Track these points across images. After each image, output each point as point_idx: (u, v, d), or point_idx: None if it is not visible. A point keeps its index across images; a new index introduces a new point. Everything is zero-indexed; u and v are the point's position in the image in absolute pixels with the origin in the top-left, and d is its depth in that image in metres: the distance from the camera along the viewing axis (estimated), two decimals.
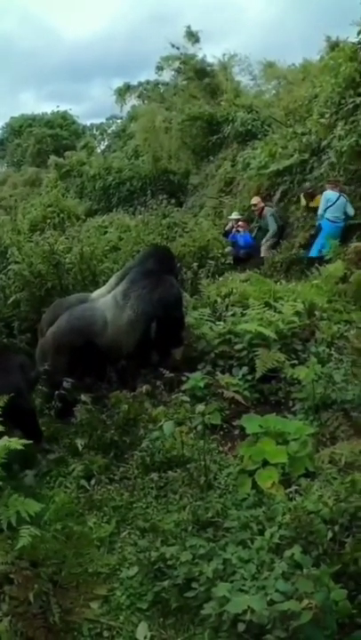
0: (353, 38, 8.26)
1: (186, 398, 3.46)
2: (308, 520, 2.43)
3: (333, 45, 13.04)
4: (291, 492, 2.88)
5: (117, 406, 3.59)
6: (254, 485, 3.02)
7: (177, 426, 3.23)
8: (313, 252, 7.30)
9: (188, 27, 16.32)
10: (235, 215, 9.53)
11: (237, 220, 9.30)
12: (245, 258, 8.84)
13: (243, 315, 4.59)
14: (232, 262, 8.00)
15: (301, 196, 8.37)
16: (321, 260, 6.67)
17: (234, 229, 9.20)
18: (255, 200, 9.06)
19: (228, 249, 8.49)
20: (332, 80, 8.49)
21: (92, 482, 3.24)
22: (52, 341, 4.04)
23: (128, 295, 4.10)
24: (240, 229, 9.09)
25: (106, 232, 9.27)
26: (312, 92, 10.60)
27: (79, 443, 3.44)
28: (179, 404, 3.60)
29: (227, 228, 9.38)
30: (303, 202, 8.27)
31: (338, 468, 2.93)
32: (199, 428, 3.19)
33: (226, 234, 9.16)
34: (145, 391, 3.70)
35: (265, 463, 3.10)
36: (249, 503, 2.91)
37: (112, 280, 4.54)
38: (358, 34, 7.93)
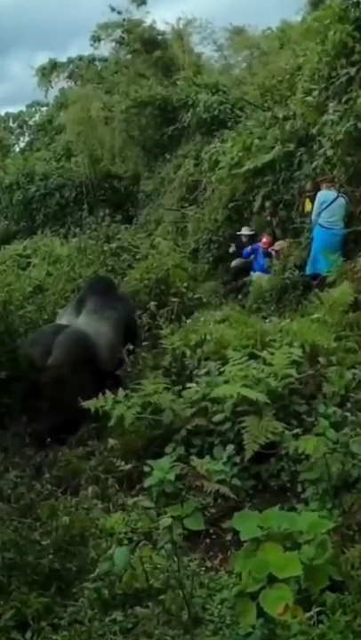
0: None
1: (148, 504, 3.42)
2: None
3: (317, 2, 14.00)
4: (313, 615, 2.87)
5: (53, 519, 3.53)
6: (261, 613, 2.99)
7: (141, 541, 3.20)
8: (307, 270, 7.59)
9: None
10: (245, 231, 9.89)
11: (252, 237, 9.73)
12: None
13: (221, 372, 4.65)
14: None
15: (307, 200, 8.65)
16: (319, 280, 6.90)
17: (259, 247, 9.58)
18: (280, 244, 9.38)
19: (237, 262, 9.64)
20: (318, 47, 8.91)
21: (28, 632, 3.12)
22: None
23: (99, 312, 5.87)
24: (265, 246, 9.39)
25: (28, 265, 9.37)
26: (294, 63, 11.16)
27: (4, 577, 3.34)
28: (141, 510, 3.57)
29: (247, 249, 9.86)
30: (308, 207, 8.53)
31: None
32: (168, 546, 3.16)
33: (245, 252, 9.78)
34: (91, 494, 3.67)
35: (272, 579, 3.09)
36: (255, 639, 2.87)
37: (68, 309, 6.21)
38: None
